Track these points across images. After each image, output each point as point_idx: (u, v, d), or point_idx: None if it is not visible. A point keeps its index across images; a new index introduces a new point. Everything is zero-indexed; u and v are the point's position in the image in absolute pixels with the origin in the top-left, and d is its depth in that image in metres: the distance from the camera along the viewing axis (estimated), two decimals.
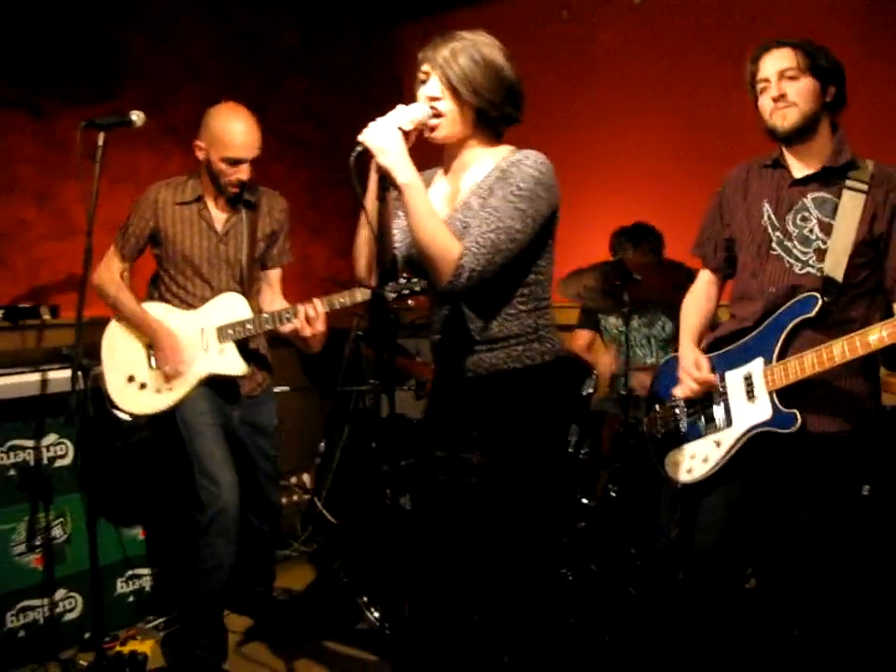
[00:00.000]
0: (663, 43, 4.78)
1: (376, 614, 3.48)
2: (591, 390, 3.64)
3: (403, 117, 2.11)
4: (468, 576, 2.43)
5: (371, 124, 2.08)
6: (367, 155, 2.06)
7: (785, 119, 2.47)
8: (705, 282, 2.86)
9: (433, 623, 2.48)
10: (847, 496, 2.58)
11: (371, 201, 2.14)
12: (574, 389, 3.56)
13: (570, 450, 3.58)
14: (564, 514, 3.50)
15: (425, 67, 2.22)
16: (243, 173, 3.13)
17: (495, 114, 2.23)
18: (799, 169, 2.55)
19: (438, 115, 2.19)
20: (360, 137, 2.06)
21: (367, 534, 3.69)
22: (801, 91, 2.46)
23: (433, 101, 2.19)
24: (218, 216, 3.25)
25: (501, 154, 2.26)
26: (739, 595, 3.12)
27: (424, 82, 2.22)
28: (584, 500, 3.61)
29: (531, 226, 2.18)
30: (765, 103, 2.51)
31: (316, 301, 3.01)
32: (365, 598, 3.52)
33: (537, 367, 2.29)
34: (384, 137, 2.05)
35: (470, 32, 2.23)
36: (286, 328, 3.07)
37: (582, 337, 4.23)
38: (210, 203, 3.24)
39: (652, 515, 3.57)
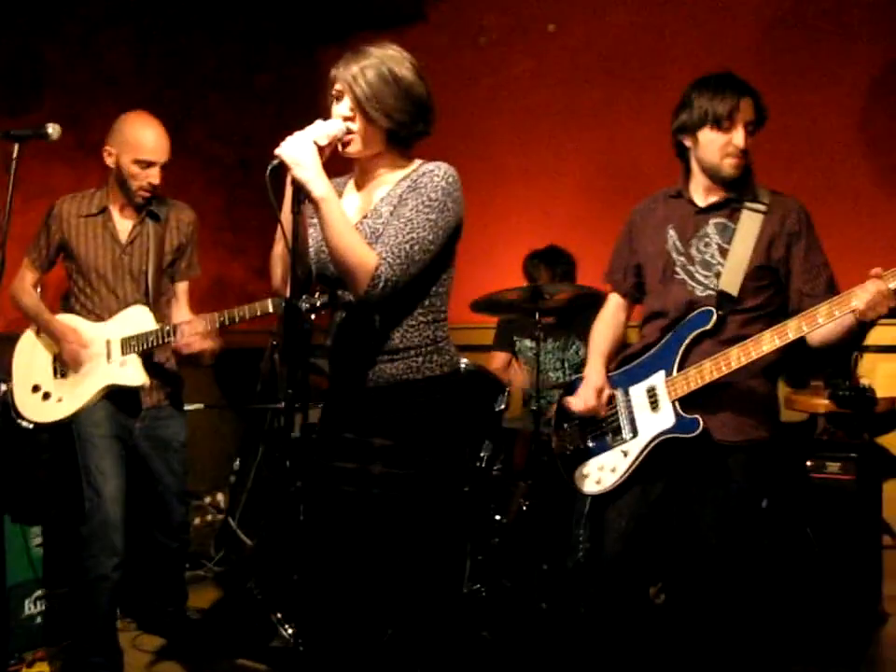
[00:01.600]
0: (576, 69, 4.94)
1: (290, 631, 3.48)
2: (503, 406, 3.70)
3: (319, 131, 2.16)
4: (372, 589, 2.43)
5: (288, 138, 2.12)
6: (283, 169, 2.10)
7: (736, 169, 2.59)
8: (614, 306, 2.97)
9: (343, 637, 2.48)
10: (747, 506, 2.67)
11: (286, 214, 2.16)
12: (484, 403, 3.63)
13: (483, 465, 3.63)
14: (468, 525, 3.55)
15: (337, 86, 2.26)
16: (153, 177, 3.17)
17: (405, 133, 2.28)
18: (702, 199, 2.68)
19: (350, 132, 2.24)
20: (277, 151, 2.10)
21: (281, 551, 3.68)
22: (749, 145, 2.59)
23: (346, 120, 2.24)
24: (123, 227, 3.27)
25: (412, 167, 2.31)
26: (645, 605, 3.20)
27: (337, 99, 2.27)
28: (497, 517, 3.67)
29: (441, 237, 2.23)
30: (721, 141, 2.58)
31: (200, 317, 3.08)
32: (279, 615, 3.51)
33: (436, 378, 2.32)
34: (299, 151, 2.10)
35: (379, 47, 2.27)
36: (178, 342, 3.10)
37: (499, 358, 4.31)
38: (115, 215, 3.27)
39: (565, 531, 3.64)
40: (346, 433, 2.38)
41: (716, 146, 2.59)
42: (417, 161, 2.34)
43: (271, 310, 2.98)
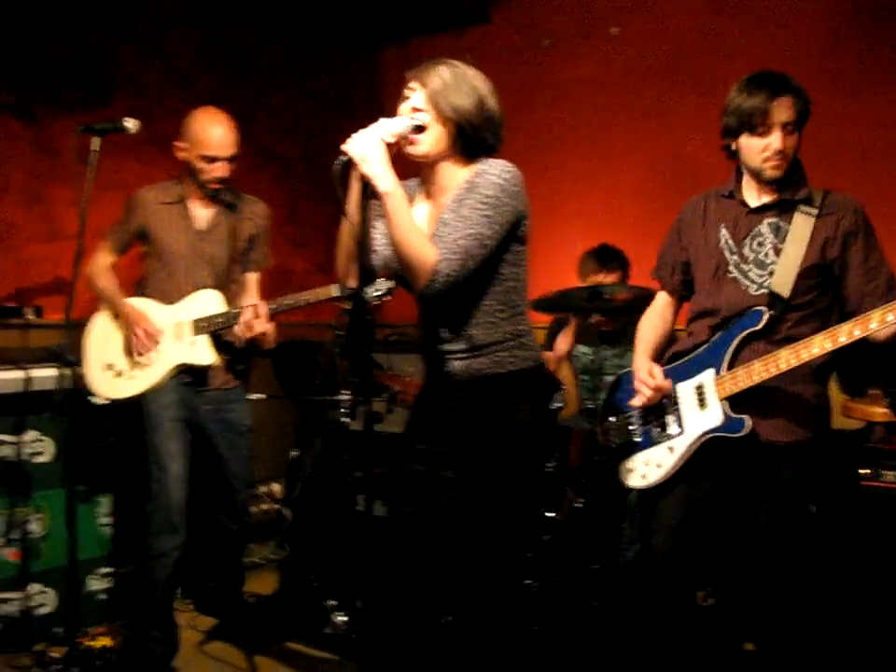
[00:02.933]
0: (637, 73, 4.94)
1: (343, 618, 3.55)
2: (559, 405, 3.72)
3: (386, 129, 2.21)
4: (438, 577, 2.50)
5: (355, 135, 2.18)
6: (350, 164, 2.17)
7: (778, 170, 2.59)
8: (662, 303, 2.98)
9: (401, 625, 2.54)
10: (796, 508, 2.68)
11: (353, 208, 2.23)
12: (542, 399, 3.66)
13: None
14: (531, 523, 3.59)
15: (412, 84, 2.33)
16: (220, 170, 3.28)
17: (473, 133, 2.32)
18: (755, 199, 2.69)
19: (419, 129, 2.29)
20: (344, 146, 2.16)
21: (337, 540, 3.76)
22: (793, 146, 2.59)
23: (415, 112, 2.29)
24: (200, 215, 3.39)
25: (471, 168, 2.36)
26: (692, 603, 3.22)
27: (408, 97, 2.33)
28: (550, 514, 3.71)
29: (499, 231, 2.29)
30: (759, 146, 2.58)
31: (261, 303, 3.20)
32: (333, 602, 3.59)
33: (520, 372, 2.40)
34: (367, 147, 2.16)
35: (460, 61, 2.34)
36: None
37: (549, 357, 4.33)
38: (192, 204, 3.38)
39: (617, 530, 3.66)
40: (430, 419, 2.46)
41: (755, 151, 2.60)
42: (478, 164, 2.37)
43: (335, 294, 3.07)
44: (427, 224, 2.37)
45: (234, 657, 3.49)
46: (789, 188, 2.64)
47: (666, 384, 2.77)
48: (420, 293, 2.28)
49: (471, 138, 2.34)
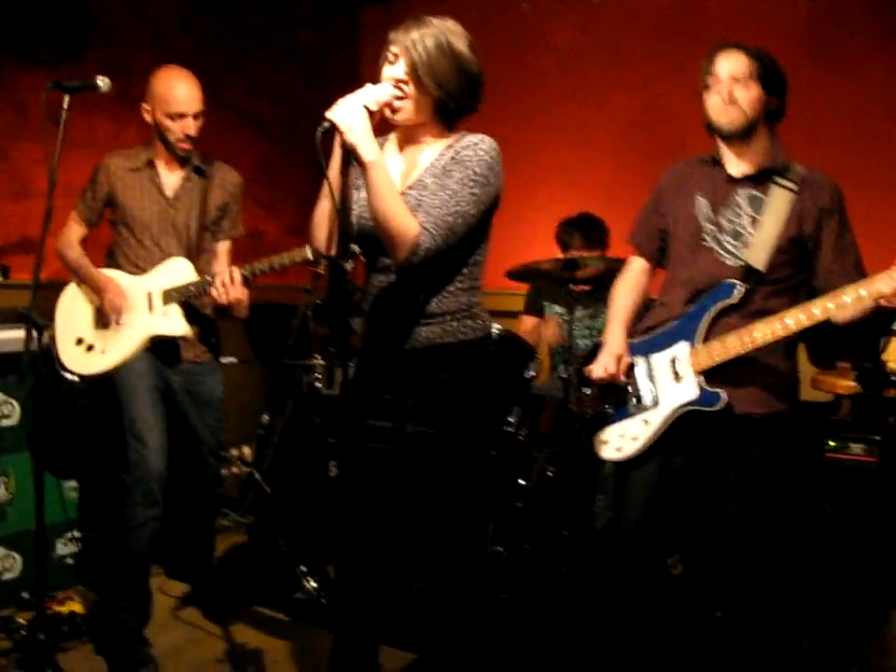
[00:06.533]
0: (617, 40, 4.91)
1: (314, 584, 3.56)
2: (533, 373, 3.73)
3: (369, 96, 2.19)
4: (399, 544, 2.52)
5: (340, 101, 2.15)
6: (332, 131, 2.13)
7: (730, 121, 2.60)
8: (637, 269, 2.96)
9: (367, 590, 2.54)
10: (766, 479, 2.70)
11: (334, 175, 2.19)
12: (515, 368, 3.68)
13: (510, 430, 3.68)
14: (493, 488, 3.61)
15: (394, 49, 2.29)
16: (188, 128, 3.22)
17: (454, 105, 2.33)
18: (735, 167, 2.69)
19: (401, 97, 2.27)
20: (328, 114, 2.12)
21: (307, 505, 3.75)
22: (748, 98, 2.59)
23: (398, 83, 2.27)
24: (169, 181, 3.33)
25: (454, 137, 2.36)
26: (662, 574, 3.25)
27: (391, 63, 2.30)
28: (521, 481, 3.72)
29: (482, 210, 2.31)
30: (713, 100, 2.63)
31: (234, 269, 3.13)
32: (303, 568, 3.59)
33: (470, 342, 2.40)
34: (351, 115, 2.13)
35: (440, 19, 2.31)
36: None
37: (528, 322, 4.34)
38: (161, 168, 3.32)
39: (588, 498, 3.68)
40: (381, 393, 2.43)
41: (707, 106, 2.65)
42: (461, 132, 2.38)
43: (309, 256, 3.03)
44: (398, 179, 2.37)
45: (206, 623, 3.50)
46: (767, 158, 2.64)
47: (621, 377, 2.80)
48: (398, 265, 2.27)
49: (452, 108, 2.34)
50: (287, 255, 3.11)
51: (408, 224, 2.19)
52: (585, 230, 4.10)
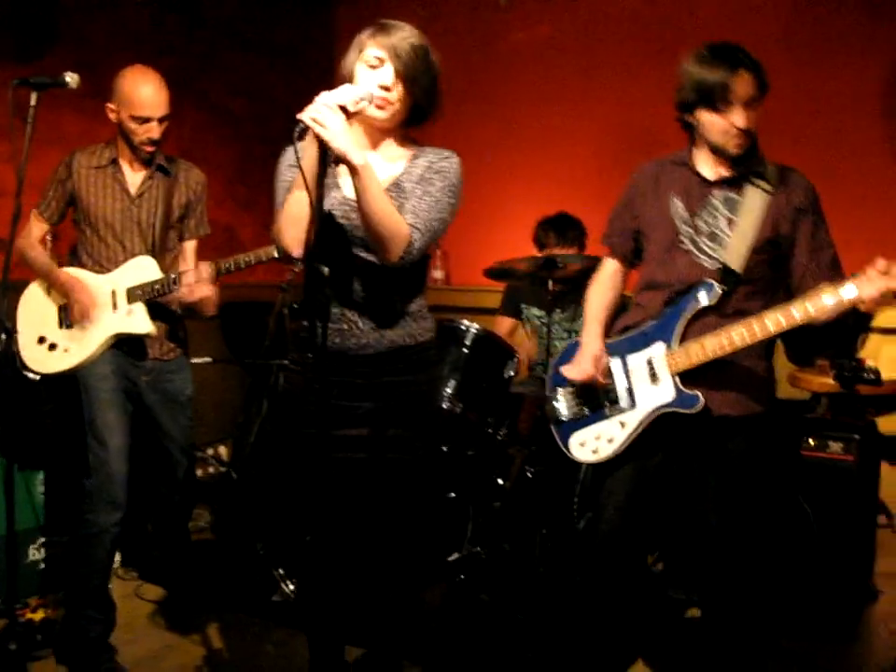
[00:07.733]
0: (594, 35, 4.90)
1: (291, 587, 3.52)
2: (512, 373, 3.70)
3: (348, 96, 2.13)
4: (367, 547, 2.55)
5: (315, 101, 2.09)
6: (306, 130, 2.07)
7: (741, 147, 2.56)
8: (611, 270, 2.93)
9: (344, 594, 2.57)
10: (745, 479, 2.69)
11: (310, 175, 2.12)
12: (494, 368, 3.66)
13: (489, 431, 3.66)
14: (471, 488, 3.60)
15: (378, 52, 2.27)
16: (152, 132, 3.17)
17: (429, 110, 2.38)
18: (711, 171, 2.66)
19: (386, 101, 2.27)
20: (300, 115, 2.06)
21: (285, 507, 3.71)
22: (756, 122, 2.54)
23: (384, 90, 2.27)
24: (133, 179, 3.28)
25: (419, 147, 2.43)
26: (641, 575, 3.24)
27: (375, 67, 2.27)
28: (500, 481, 3.70)
29: (452, 219, 2.41)
30: (722, 124, 2.53)
31: (201, 265, 3.14)
32: (281, 571, 3.55)
33: (423, 343, 2.48)
34: (327, 117, 2.06)
35: (410, 27, 2.33)
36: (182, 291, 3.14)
37: (505, 324, 4.31)
38: (125, 167, 3.27)
39: (566, 498, 3.66)
40: (342, 399, 2.43)
41: (717, 128, 2.55)
42: (416, 142, 2.46)
43: (275, 255, 3.00)
44: None
45: (183, 627, 3.45)
46: (744, 162, 2.61)
47: (599, 379, 2.78)
48: (391, 265, 2.28)
49: (427, 111, 2.39)
50: (254, 253, 3.13)
51: (400, 224, 2.24)
52: (562, 229, 4.08)
